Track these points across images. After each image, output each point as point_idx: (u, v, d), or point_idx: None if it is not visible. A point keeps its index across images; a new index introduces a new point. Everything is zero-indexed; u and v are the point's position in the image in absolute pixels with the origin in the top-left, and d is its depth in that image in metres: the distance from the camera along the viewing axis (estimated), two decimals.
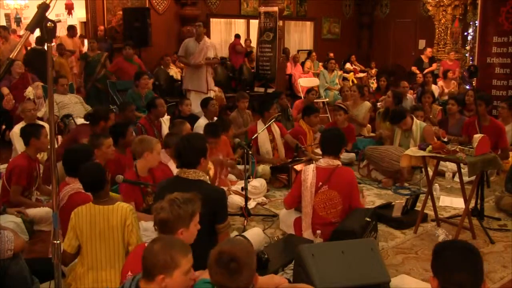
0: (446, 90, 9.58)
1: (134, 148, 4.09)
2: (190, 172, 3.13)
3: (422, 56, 11.36)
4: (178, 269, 2.08)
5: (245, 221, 4.45)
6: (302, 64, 12.28)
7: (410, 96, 8.49)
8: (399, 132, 6.04)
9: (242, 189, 4.71)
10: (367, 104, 7.51)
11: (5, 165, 4.91)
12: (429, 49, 11.29)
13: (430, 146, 4.14)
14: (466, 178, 4.51)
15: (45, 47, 2.27)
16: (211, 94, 7.77)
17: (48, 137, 4.59)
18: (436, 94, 8.90)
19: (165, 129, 6.00)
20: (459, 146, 4.10)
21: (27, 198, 4.44)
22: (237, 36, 12.11)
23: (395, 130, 6.11)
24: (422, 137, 5.81)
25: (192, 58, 7.54)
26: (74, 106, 6.90)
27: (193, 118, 6.53)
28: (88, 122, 5.43)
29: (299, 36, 14.35)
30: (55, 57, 9.51)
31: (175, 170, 4.29)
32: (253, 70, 11.12)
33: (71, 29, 10.51)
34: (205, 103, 6.34)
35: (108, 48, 10.04)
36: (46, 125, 4.77)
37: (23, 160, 4.37)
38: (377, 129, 7.21)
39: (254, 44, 11.94)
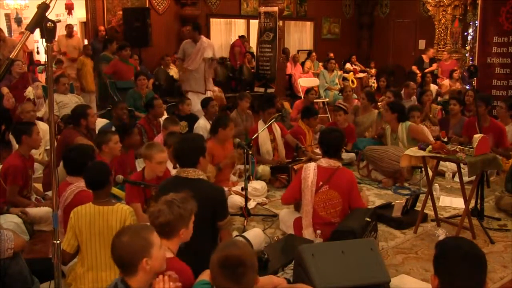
0: (447, 89, 9.59)
1: (141, 152, 4.14)
2: (189, 171, 3.16)
3: (424, 56, 11.35)
4: (154, 247, 2.18)
5: (245, 221, 4.46)
6: (302, 64, 12.27)
7: (414, 98, 8.48)
8: (388, 133, 6.05)
9: (242, 189, 4.71)
10: (375, 113, 7.27)
11: None
12: (431, 50, 11.26)
13: (430, 146, 4.14)
14: (466, 178, 4.52)
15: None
16: (209, 94, 7.77)
17: (40, 134, 4.61)
18: (434, 94, 8.90)
19: None
20: (459, 146, 4.10)
21: (26, 198, 4.44)
22: (241, 37, 12.09)
23: (386, 131, 6.12)
24: (408, 137, 5.81)
25: (189, 59, 7.48)
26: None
27: (193, 118, 6.53)
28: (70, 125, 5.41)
29: (299, 36, 14.34)
30: (81, 56, 9.52)
31: (172, 171, 4.32)
32: (253, 70, 11.12)
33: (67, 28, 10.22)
34: (205, 104, 6.34)
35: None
36: (46, 125, 4.77)
37: (17, 160, 4.35)
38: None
39: (253, 44, 11.94)
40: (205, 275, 2.37)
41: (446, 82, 9.87)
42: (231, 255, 2.08)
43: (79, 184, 3.47)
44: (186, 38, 11.01)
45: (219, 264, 2.09)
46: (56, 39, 10.46)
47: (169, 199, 2.57)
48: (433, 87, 9.30)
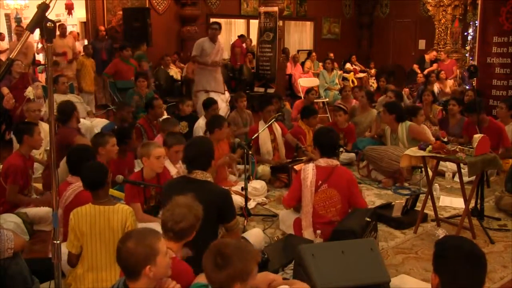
0: (448, 90, 9.58)
1: (138, 151, 4.14)
2: (198, 173, 3.20)
3: (426, 56, 11.35)
4: (159, 255, 2.14)
5: (245, 221, 4.46)
6: (302, 64, 12.28)
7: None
8: (388, 133, 6.05)
9: (242, 189, 4.71)
10: (374, 112, 7.20)
11: None
12: (434, 53, 11.24)
13: (430, 146, 4.14)
14: (466, 178, 4.52)
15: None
16: (227, 94, 7.79)
17: (42, 134, 4.60)
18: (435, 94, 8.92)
19: None
20: (459, 146, 4.09)
21: (26, 196, 4.43)
22: (240, 36, 12.08)
23: (386, 131, 6.12)
24: (408, 137, 5.81)
25: (209, 59, 7.44)
26: None
27: (193, 118, 6.54)
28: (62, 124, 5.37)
29: (299, 36, 14.34)
30: (81, 56, 9.47)
31: (172, 170, 4.32)
32: (253, 70, 11.12)
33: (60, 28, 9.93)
34: (207, 105, 6.34)
35: (109, 48, 10.04)
36: (46, 125, 4.77)
37: (18, 159, 4.35)
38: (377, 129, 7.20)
39: (253, 44, 11.94)
40: (202, 278, 2.36)
41: (436, 84, 9.84)
42: (220, 243, 2.12)
43: (80, 183, 3.47)
44: (186, 37, 11.13)
45: (208, 251, 2.11)
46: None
47: (187, 202, 2.57)
48: (435, 88, 9.31)
